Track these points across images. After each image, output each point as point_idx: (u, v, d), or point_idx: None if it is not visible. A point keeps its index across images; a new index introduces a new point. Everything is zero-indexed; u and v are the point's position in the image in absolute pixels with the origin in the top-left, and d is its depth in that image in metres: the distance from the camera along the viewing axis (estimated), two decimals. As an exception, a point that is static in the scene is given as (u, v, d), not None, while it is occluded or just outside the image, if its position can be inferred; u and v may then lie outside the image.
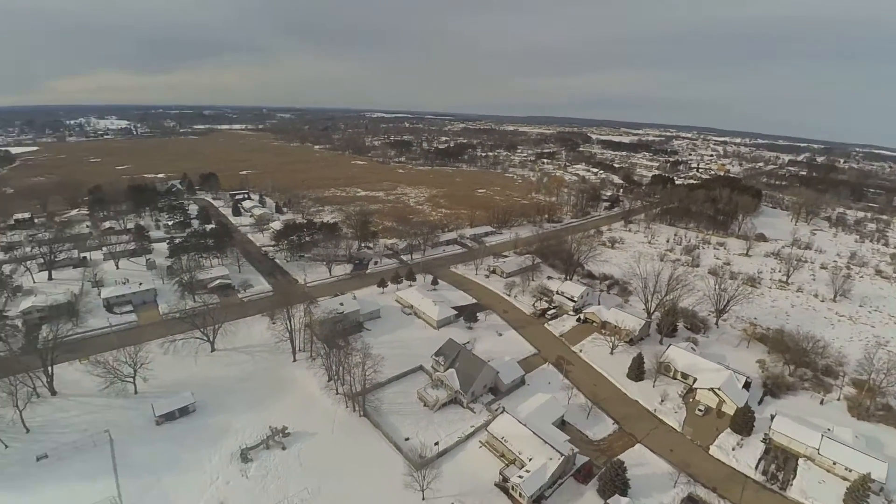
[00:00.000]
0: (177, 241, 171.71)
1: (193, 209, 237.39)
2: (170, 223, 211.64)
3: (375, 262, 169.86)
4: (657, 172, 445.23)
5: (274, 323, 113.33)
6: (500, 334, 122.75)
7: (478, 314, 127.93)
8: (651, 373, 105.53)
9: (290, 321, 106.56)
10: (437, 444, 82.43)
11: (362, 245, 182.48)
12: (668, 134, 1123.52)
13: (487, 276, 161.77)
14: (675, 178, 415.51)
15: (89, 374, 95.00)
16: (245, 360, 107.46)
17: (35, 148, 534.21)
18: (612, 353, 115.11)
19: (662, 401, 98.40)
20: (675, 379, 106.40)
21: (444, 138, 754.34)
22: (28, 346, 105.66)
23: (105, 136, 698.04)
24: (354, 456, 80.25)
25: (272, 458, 78.88)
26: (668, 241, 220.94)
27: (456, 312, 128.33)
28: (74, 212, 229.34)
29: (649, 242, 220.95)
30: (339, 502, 71.31)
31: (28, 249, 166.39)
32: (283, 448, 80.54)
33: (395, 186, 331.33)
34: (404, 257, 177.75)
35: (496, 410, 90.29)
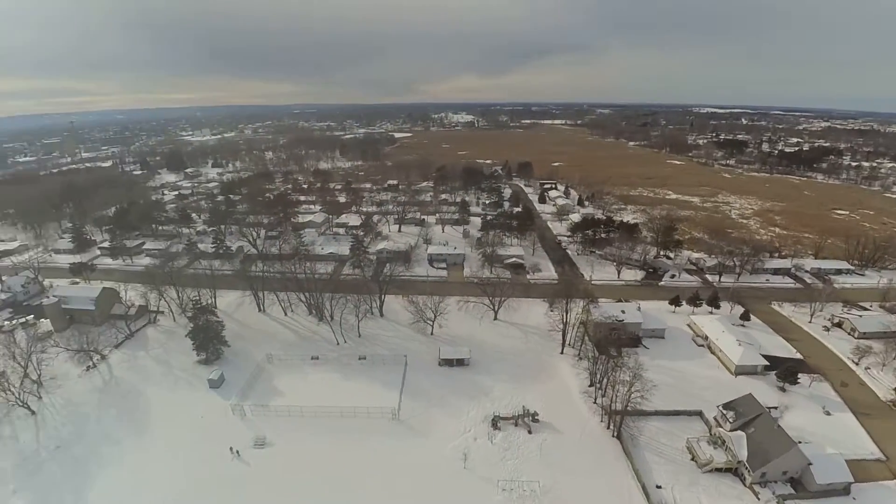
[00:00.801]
0: (488, 218, 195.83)
1: (507, 192, 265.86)
2: (487, 202, 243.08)
3: (672, 276, 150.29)
4: None
5: (552, 311, 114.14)
6: (828, 413, 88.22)
7: (799, 375, 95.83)
8: None
9: (566, 314, 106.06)
10: (696, 511, 66.73)
11: (661, 253, 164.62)
12: None
13: (827, 330, 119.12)
14: None
15: (405, 308, 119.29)
16: (518, 337, 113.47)
17: (409, 134, 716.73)
18: None
19: None
20: None
21: (794, 139, 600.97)
22: (374, 276, 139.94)
23: (455, 128, 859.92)
24: (594, 476, 73.45)
25: (517, 436, 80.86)
26: None
27: (766, 363, 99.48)
28: (424, 184, 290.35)
29: None
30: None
31: (391, 207, 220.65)
32: (529, 432, 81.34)
33: (715, 193, 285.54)
34: (710, 277, 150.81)
35: (793, 511, 65.95)
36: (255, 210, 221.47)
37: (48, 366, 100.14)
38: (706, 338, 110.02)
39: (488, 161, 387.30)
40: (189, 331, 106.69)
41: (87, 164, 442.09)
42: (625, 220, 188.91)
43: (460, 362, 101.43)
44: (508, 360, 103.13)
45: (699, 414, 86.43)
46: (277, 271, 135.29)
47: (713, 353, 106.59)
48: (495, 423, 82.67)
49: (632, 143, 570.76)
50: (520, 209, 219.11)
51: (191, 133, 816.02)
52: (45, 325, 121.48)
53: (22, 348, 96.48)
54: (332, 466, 75.34)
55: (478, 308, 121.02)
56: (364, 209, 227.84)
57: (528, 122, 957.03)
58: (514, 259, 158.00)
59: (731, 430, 76.30)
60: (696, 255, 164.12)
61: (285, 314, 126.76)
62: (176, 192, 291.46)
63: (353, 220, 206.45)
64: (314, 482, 72.46)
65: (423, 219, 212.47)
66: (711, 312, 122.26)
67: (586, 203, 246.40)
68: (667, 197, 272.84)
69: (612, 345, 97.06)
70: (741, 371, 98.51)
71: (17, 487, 74.80)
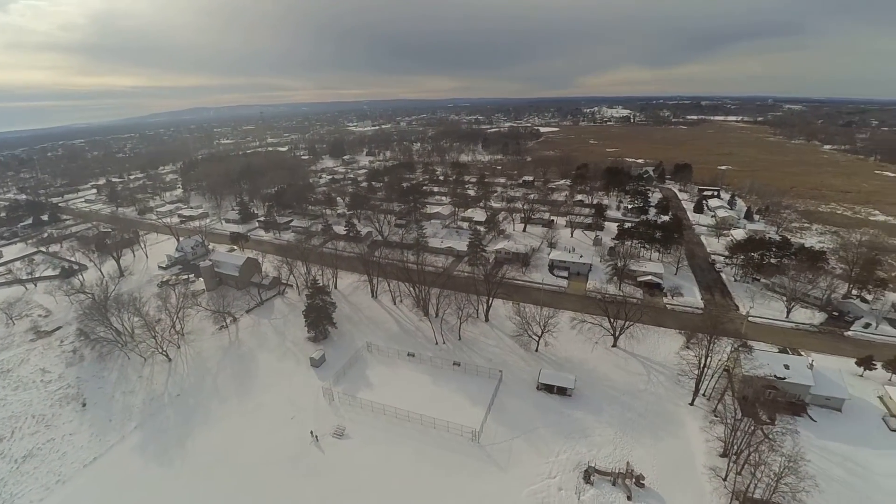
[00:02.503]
0: (627, 225, 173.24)
1: (656, 197, 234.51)
2: (629, 207, 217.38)
3: (867, 325, 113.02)
4: None
5: (688, 348, 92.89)
6: None
7: None
8: None
9: (707, 356, 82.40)
10: None
11: (854, 292, 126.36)
12: None
13: None
14: None
15: (510, 318, 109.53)
16: (638, 373, 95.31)
17: (556, 129, 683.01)
18: None
19: None
20: None
21: None
22: (487, 276, 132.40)
23: (607, 123, 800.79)
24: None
25: (612, 500, 65.88)
26: None
27: None
28: (561, 182, 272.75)
29: None
30: None
31: (519, 204, 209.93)
32: (629, 498, 65.69)
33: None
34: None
35: None
36: (390, 198, 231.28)
37: (190, 320, 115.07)
38: (910, 422, 79.16)
39: (639, 160, 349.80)
40: (304, 308, 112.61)
41: (270, 148, 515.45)
42: (807, 244, 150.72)
43: (562, 391, 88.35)
44: (620, 401, 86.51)
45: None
46: (391, 259, 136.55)
47: (918, 446, 75.92)
48: (588, 475, 68.73)
49: (828, 147, 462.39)
50: (668, 218, 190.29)
51: (355, 124, 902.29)
52: (201, 283, 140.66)
53: (172, 303, 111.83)
54: (396, 476, 71.10)
55: (594, 330, 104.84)
56: (492, 204, 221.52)
57: (695, 117, 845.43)
58: (650, 277, 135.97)
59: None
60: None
61: (395, 304, 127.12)
62: (330, 177, 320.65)
63: (479, 214, 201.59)
64: (374, 488, 69.11)
65: (552, 220, 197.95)
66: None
67: (756, 217, 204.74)
68: (871, 218, 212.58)
69: (764, 408, 74.69)
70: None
71: (139, 424, 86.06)
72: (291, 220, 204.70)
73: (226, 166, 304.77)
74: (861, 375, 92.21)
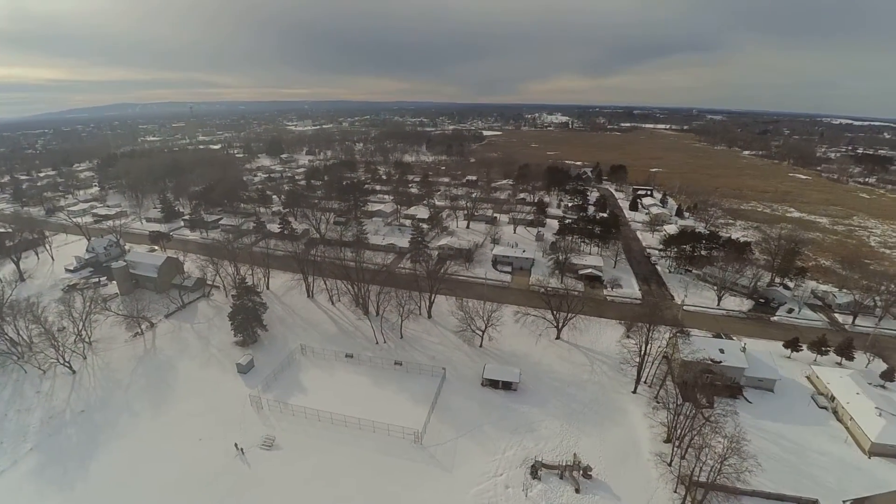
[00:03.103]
0: (567, 221, 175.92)
1: (594, 196, 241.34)
2: (569, 204, 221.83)
3: (790, 310, 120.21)
4: None
5: (629, 337, 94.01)
6: None
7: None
8: None
9: (647, 343, 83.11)
10: None
11: (777, 281, 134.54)
12: None
13: None
14: None
15: (453, 314, 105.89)
16: (582, 364, 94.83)
17: (499, 133, 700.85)
18: None
19: None
20: None
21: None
22: (430, 272, 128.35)
23: (547, 128, 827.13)
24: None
25: (560, 493, 63.62)
26: None
27: (921, 445, 72.55)
28: (503, 181, 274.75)
29: None
30: None
31: (463, 202, 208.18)
32: (577, 490, 63.78)
33: (849, 215, 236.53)
34: (840, 318, 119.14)
35: None
36: (330, 196, 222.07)
37: (98, 327, 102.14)
38: (832, 398, 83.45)
39: (578, 162, 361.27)
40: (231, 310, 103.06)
41: (201, 146, 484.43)
42: (732, 237, 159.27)
43: (507, 385, 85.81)
44: (566, 392, 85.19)
45: (817, 504, 63.27)
46: (329, 257, 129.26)
47: (840, 420, 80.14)
48: (535, 470, 66.11)
49: (747, 153, 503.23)
50: (606, 215, 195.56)
51: (295, 124, 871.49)
52: (114, 287, 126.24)
53: (78, 309, 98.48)
54: (332, 487, 64.98)
55: (538, 323, 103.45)
56: (436, 202, 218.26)
57: (628, 125, 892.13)
58: (590, 270, 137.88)
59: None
60: (823, 287, 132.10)
61: (332, 303, 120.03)
62: (266, 175, 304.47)
63: (422, 212, 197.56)
64: (308, 502, 62.66)
65: (496, 217, 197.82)
66: (840, 364, 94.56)
67: (686, 214, 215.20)
68: (787, 215, 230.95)
69: (703, 392, 75.73)
70: (879, 451, 71.91)
71: (35, 446, 74.19)
72: (220, 219, 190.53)
73: (149, 162, 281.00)
74: (789, 357, 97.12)
